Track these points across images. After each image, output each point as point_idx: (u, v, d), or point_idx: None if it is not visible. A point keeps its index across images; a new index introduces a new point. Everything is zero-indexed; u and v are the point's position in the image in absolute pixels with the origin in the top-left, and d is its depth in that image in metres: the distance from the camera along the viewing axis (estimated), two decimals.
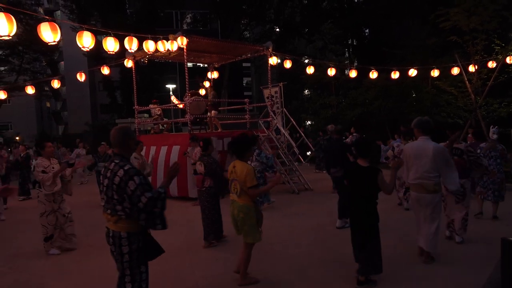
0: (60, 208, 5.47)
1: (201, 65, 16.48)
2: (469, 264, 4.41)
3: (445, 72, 12.88)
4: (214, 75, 13.67)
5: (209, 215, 5.49)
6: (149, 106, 12.17)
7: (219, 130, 11.26)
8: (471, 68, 12.52)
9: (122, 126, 3.07)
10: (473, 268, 4.28)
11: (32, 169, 5.34)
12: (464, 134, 9.96)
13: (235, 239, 4.98)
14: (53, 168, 5.35)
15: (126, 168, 2.75)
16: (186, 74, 9.90)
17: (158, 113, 12.14)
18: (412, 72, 12.73)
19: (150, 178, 7.47)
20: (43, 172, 5.23)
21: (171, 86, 24.40)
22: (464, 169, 4.95)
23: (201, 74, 14.05)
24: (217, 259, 5.00)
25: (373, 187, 3.86)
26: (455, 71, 12.41)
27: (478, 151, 5.97)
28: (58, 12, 31.38)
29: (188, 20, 31.85)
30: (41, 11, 28.13)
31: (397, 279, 4.08)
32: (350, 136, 8.50)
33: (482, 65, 12.51)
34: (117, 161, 2.83)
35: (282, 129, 11.34)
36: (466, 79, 12.63)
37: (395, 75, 12.88)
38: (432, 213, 4.34)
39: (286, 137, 10.91)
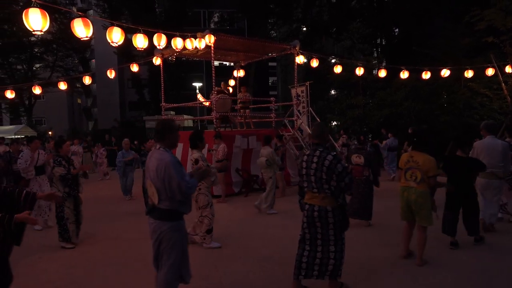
0: None
1: (227, 64, 16.56)
2: None
3: (479, 73, 12.35)
4: (240, 73, 13.71)
5: (367, 200, 6.21)
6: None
7: (251, 128, 11.84)
8: (508, 69, 11.97)
9: (319, 122, 3.86)
10: None
11: (195, 162, 5.21)
12: (499, 136, 9.64)
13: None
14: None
15: (333, 154, 3.54)
16: (213, 72, 9.96)
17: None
18: (445, 73, 12.30)
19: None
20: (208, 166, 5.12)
21: (197, 84, 24.67)
22: None
23: (227, 73, 14.13)
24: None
25: (472, 172, 5.03)
26: (490, 72, 11.89)
27: None
28: (91, 11, 32.31)
29: (216, 19, 32.10)
30: (75, 10, 29.09)
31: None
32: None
33: None
34: (321, 149, 3.57)
35: (307, 128, 11.21)
36: (502, 80, 12.08)
37: (426, 75, 12.48)
38: (497, 194, 5.63)
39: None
